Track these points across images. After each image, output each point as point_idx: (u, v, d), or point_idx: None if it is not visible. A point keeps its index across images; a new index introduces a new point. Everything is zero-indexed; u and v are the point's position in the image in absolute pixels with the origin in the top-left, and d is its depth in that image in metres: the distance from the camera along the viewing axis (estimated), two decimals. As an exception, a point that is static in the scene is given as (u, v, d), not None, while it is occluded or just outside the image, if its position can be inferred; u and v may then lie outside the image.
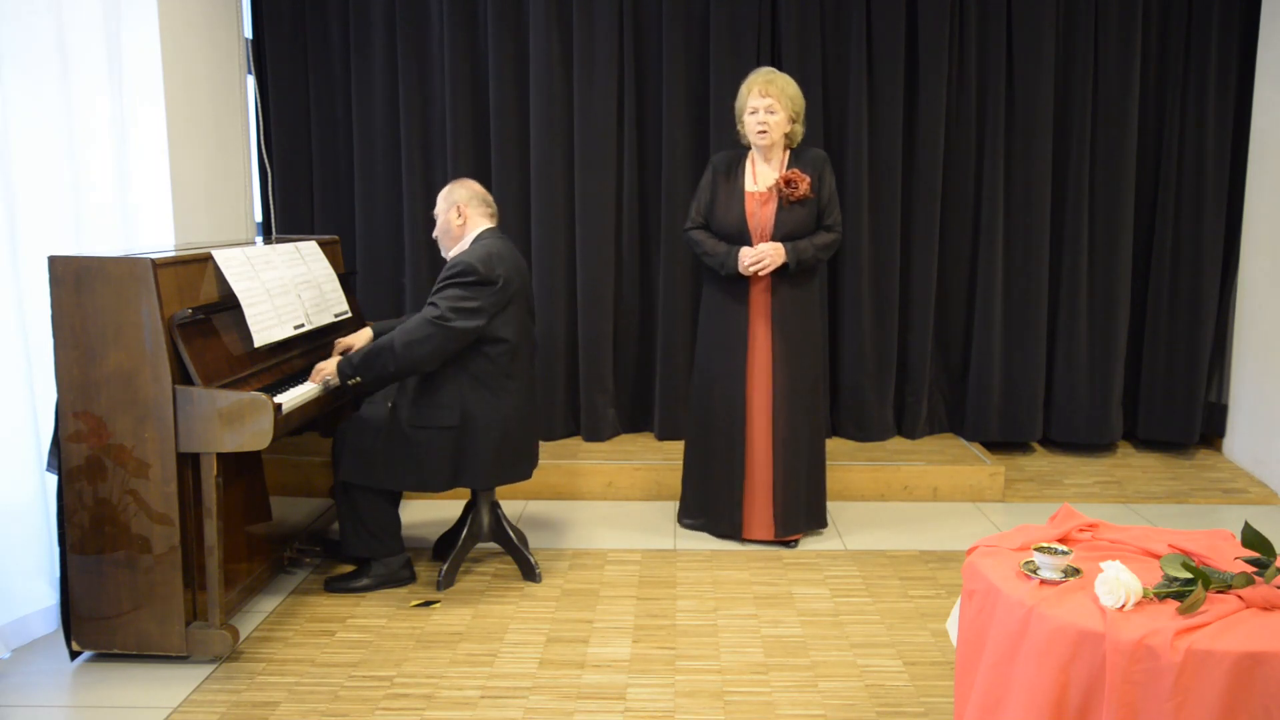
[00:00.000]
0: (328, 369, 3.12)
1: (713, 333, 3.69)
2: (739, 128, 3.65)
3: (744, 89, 3.59)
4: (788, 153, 3.61)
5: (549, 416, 4.70)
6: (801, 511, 3.71)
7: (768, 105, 3.50)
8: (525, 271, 3.34)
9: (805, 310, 3.64)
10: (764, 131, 3.51)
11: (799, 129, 3.60)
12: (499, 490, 3.91)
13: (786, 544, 3.73)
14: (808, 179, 3.50)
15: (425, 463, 3.17)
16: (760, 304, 3.60)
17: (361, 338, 3.39)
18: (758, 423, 3.65)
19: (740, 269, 3.52)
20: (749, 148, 3.65)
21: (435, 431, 3.15)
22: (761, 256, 3.49)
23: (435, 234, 3.37)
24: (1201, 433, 4.83)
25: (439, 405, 3.15)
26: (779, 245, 3.49)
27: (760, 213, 3.55)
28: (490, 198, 3.39)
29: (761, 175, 3.59)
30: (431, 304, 3.10)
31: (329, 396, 3.15)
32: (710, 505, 3.78)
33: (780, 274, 3.55)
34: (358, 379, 3.11)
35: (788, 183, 3.49)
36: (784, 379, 3.61)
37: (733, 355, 3.63)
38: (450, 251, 3.31)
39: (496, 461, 3.22)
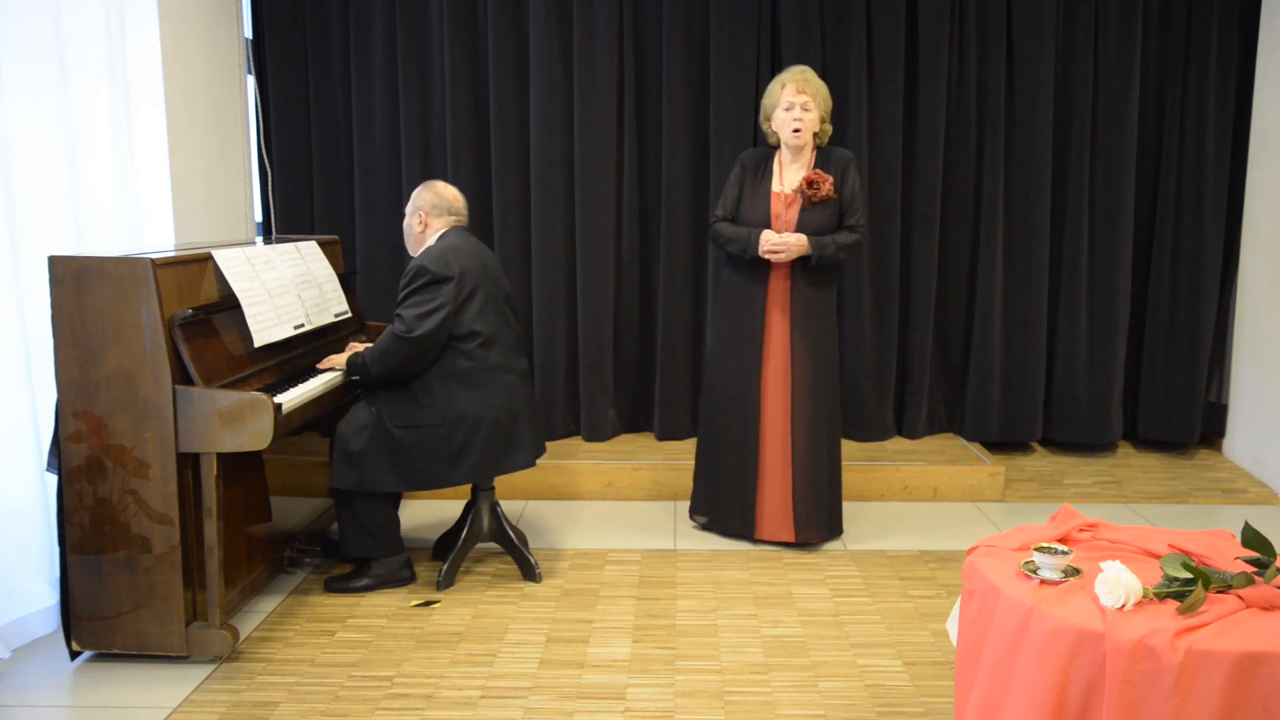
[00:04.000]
0: (338, 361, 3.26)
1: (728, 325, 3.67)
2: (765, 125, 3.63)
3: (776, 86, 3.57)
4: (815, 152, 3.60)
5: (549, 416, 4.70)
6: (824, 517, 3.70)
7: (803, 103, 3.49)
8: (491, 262, 3.34)
9: (824, 311, 3.62)
10: (798, 130, 3.50)
11: (827, 128, 3.60)
12: (499, 489, 3.92)
13: (788, 544, 3.72)
14: (830, 180, 3.49)
15: (415, 463, 3.17)
16: (779, 299, 3.59)
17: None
18: (772, 420, 3.63)
19: (759, 251, 3.50)
20: (776, 146, 3.64)
21: (421, 431, 3.15)
22: (779, 248, 3.48)
23: (404, 231, 3.43)
24: (1201, 433, 4.83)
25: (421, 405, 3.17)
26: (803, 236, 3.49)
27: (785, 214, 3.54)
28: (457, 200, 3.38)
29: (788, 176, 3.58)
30: (397, 316, 3.15)
31: (329, 396, 3.15)
32: (720, 503, 3.77)
33: (801, 266, 3.54)
34: (356, 377, 3.22)
35: (810, 184, 3.49)
36: (804, 379, 3.60)
37: (748, 349, 3.62)
38: (418, 251, 3.35)
39: (488, 453, 3.22)
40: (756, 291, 3.60)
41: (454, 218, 3.36)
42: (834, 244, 3.52)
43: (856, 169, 3.61)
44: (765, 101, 3.62)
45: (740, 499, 3.71)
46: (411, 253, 3.38)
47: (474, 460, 3.21)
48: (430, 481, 3.21)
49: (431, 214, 3.33)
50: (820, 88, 3.54)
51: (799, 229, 3.52)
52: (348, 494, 3.23)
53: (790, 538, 3.69)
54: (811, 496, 3.66)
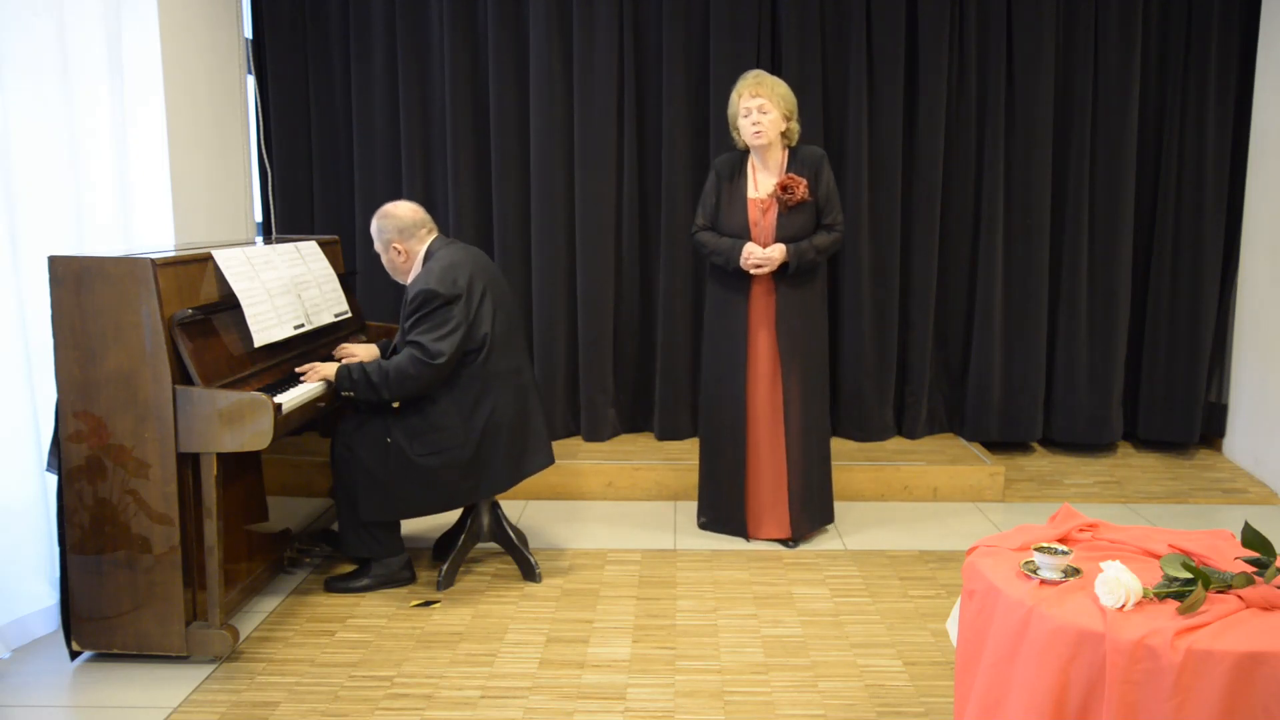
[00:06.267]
0: (325, 371, 3.13)
1: (716, 332, 3.72)
2: (734, 135, 3.65)
3: (734, 95, 3.60)
4: (786, 152, 3.61)
5: (549, 416, 4.69)
6: (815, 510, 3.75)
7: (760, 105, 3.50)
8: (487, 263, 3.31)
9: (809, 307, 3.64)
10: (759, 132, 3.51)
11: (795, 127, 3.60)
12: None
13: (785, 542, 3.73)
14: (804, 182, 3.50)
15: (443, 486, 3.17)
16: (761, 304, 3.62)
17: (366, 352, 3.38)
18: (762, 421, 3.66)
19: (742, 265, 3.53)
20: (747, 150, 3.65)
21: (443, 454, 3.14)
22: (763, 263, 3.51)
23: (386, 267, 3.33)
24: (1201, 433, 4.83)
25: (438, 429, 3.14)
26: (782, 247, 3.51)
27: (763, 220, 3.56)
28: (418, 212, 3.28)
29: (762, 181, 3.60)
30: (411, 343, 3.07)
31: (329, 397, 3.15)
32: (718, 505, 3.81)
33: (780, 273, 3.57)
34: (351, 393, 3.13)
35: (784, 189, 3.51)
36: (791, 377, 3.63)
37: (734, 355, 3.65)
38: (408, 278, 3.28)
39: (509, 459, 3.23)
40: (739, 301, 3.63)
41: (426, 230, 3.28)
42: (812, 249, 3.54)
43: (830, 166, 3.62)
44: (729, 112, 3.65)
45: (735, 500, 3.74)
46: (402, 281, 3.31)
47: (495, 472, 3.21)
48: (461, 499, 3.22)
49: (404, 239, 3.24)
50: (775, 86, 3.54)
51: (778, 233, 3.55)
52: (354, 499, 3.22)
53: (786, 534, 3.72)
54: (804, 494, 3.70)
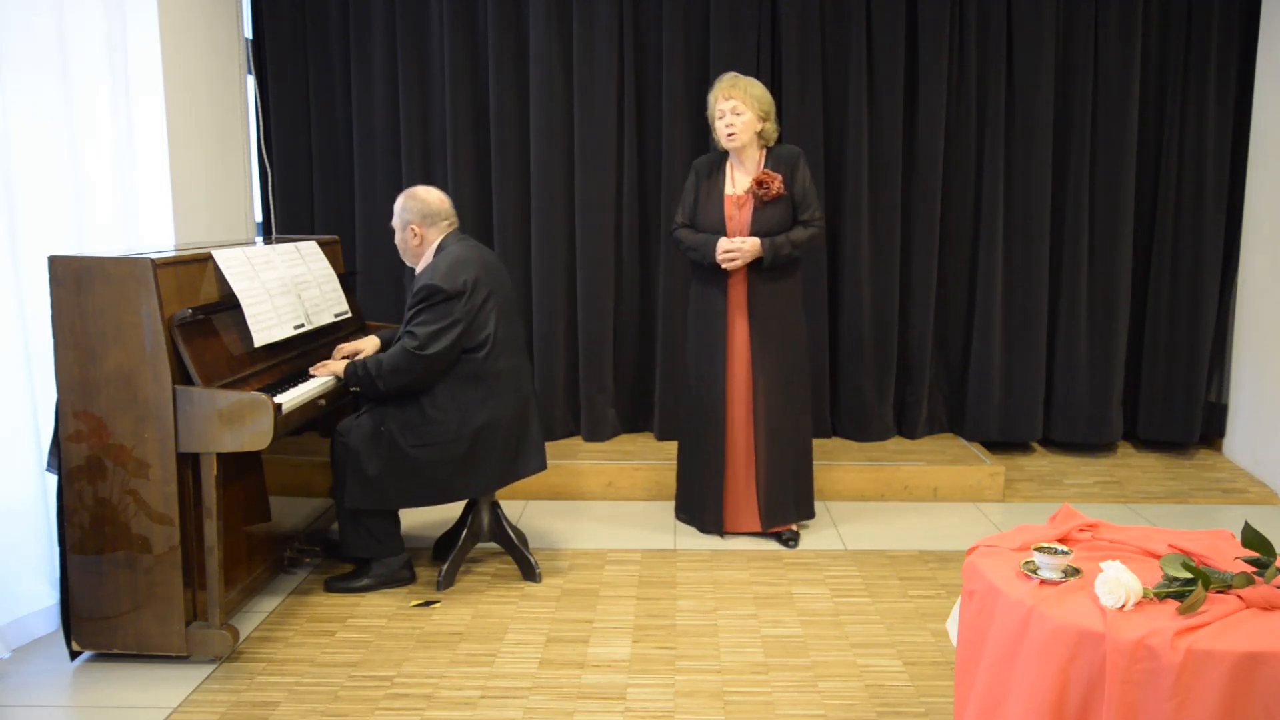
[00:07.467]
0: (335, 366, 3.18)
1: (696, 328, 3.76)
2: (714, 136, 3.68)
3: (710, 97, 3.65)
4: (763, 152, 3.65)
5: (549, 416, 4.70)
6: (790, 502, 3.76)
7: (733, 107, 3.55)
8: (495, 264, 3.32)
9: (785, 302, 3.67)
10: (732, 134, 3.56)
11: (771, 128, 3.63)
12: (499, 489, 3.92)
13: (784, 541, 3.74)
14: (779, 178, 3.55)
15: (432, 479, 3.17)
16: (738, 299, 3.66)
17: (369, 344, 3.37)
18: (739, 415, 3.70)
19: (715, 257, 3.56)
20: (727, 152, 3.69)
21: (436, 447, 3.15)
22: (733, 253, 3.54)
23: (397, 244, 3.34)
24: (1201, 433, 4.83)
25: (432, 421, 3.14)
26: (756, 240, 3.54)
27: (739, 215, 3.61)
28: (444, 204, 3.30)
29: (740, 180, 3.65)
30: (409, 333, 3.10)
31: (330, 396, 3.15)
32: (695, 499, 3.84)
33: (756, 268, 3.59)
34: (358, 388, 3.17)
35: (759, 184, 3.55)
36: (766, 371, 3.66)
37: (713, 350, 3.69)
38: (417, 264, 3.30)
39: (503, 460, 3.23)
40: (717, 296, 3.67)
41: (447, 222, 3.30)
42: (788, 243, 3.57)
43: (806, 164, 3.65)
44: (707, 113, 3.69)
45: (712, 496, 3.77)
46: (409, 263, 3.34)
47: (490, 468, 3.21)
48: (449, 494, 3.21)
49: (424, 224, 3.26)
50: (749, 89, 3.57)
51: (753, 229, 3.58)
52: (344, 488, 3.22)
53: (758, 528, 3.75)
54: (776, 488, 3.72)
